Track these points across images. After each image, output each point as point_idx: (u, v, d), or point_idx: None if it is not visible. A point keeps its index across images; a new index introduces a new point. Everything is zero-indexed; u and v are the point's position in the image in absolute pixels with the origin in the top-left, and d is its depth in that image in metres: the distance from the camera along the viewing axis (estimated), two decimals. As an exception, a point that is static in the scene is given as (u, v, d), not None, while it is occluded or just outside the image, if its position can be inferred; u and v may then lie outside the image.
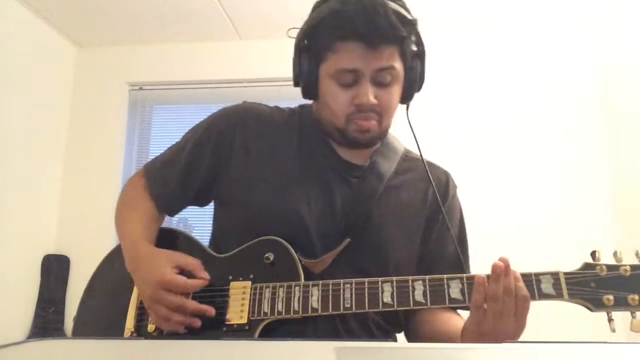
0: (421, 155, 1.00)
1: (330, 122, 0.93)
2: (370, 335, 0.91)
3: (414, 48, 0.92)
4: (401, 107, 0.99)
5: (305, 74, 0.91)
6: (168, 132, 3.09)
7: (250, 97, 3.46)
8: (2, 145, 2.53)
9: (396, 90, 0.91)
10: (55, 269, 2.80)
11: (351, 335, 0.89)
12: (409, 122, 0.98)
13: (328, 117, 0.93)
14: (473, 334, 0.77)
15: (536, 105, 2.71)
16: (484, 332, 0.75)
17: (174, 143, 1.05)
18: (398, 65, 0.89)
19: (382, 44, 0.85)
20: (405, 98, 0.96)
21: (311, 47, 0.91)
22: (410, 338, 0.99)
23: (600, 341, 0.55)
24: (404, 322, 0.99)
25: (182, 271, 0.87)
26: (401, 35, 0.87)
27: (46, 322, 2.72)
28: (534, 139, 2.67)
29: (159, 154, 1.07)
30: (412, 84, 0.94)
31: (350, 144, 0.94)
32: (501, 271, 0.74)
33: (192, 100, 3.10)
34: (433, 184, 0.97)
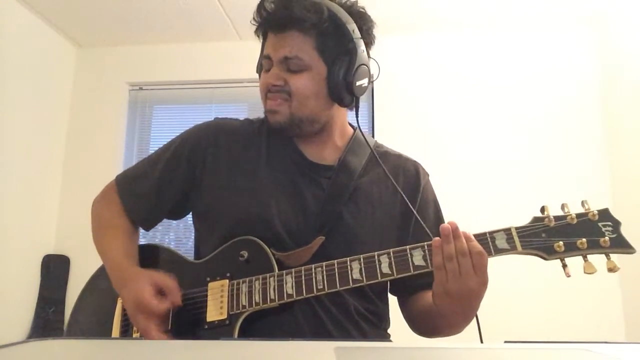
0: (372, 149, 1.01)
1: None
2: (355, 324, 0.93)
3: (345, 44, 0.93)
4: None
5: (259, 64, 1.00)
6: (168, 132, 3.09)
7: (250, 97, 3.45)
8: (2, 146, 2.53)
9: (309, 78, 0.94)
10: (55, 269, 2.80)
11: (334, 322, 0.91)
12: (357, 120, 1.00)
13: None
14: (441, 295, 0.82)
15: (536, 106, 2.71)
16: (450, 291, 0.80)
17: (146, 157, 1.07)
18: (308, 56, 0.93)
19: (286, 31, 0.93)
20: (334, 94, 0.95)
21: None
22: (411, 324, 1.02)
23: (600, 341, 0.55)
24: (386, 313, 1.02)
25: (160, 290, 0.90)
26: (305, 23, 0.91)
27: (46, 322, 2.72)
28: (533, 138, 2.68)
29: (131, 167, 1.08)
30: (336, 80, 0.93)
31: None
32: (449, 232, 0.80)
33: (192, 100, 3.10)
34: (393, 179, 0.99)
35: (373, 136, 1.10)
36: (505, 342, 0.56)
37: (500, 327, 2.43)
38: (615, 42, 2.60)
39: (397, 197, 1.00)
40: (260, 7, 0.95)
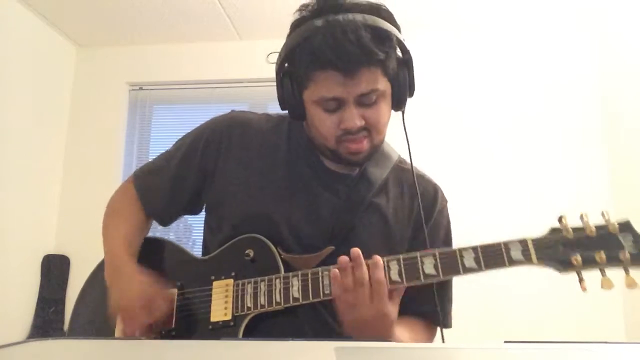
0: (412, 166, 0.98)
1: (322, 143, 0.92)
2: None
3: (399, 56, 0.89)
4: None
5: (290, 99, 0.90)
6: (168, 132, 3.09)
7: (250, 97, 3.44)
8: (2, 145, 2.53)
9: (384, 106, 0.89)
10: (55, 269, 2.80)
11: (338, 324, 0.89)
12: (405, 129, 0.97)
13: (319, 139, 0.92)
14: (343, 325, 0.81)
15: (536, 105, 2.71)
16: (347, 321, 0.79)
17: (165, 151, 1.06)
18: (381, 84, 0.86)
19: (359, 69, 0.82)
20: (397, 106, 0.93)
21: (292, 72, 0.89)
22: None
23: (600, 341, 0.55)
24: None
25: (150, 304, 0.89)
26: (377, 59, 0.83)
27: (46, 322, 2.72)
28: (533, 138, 2.67)
29: (149, 161, 1.08)
30: (402, 92, 0.91)
31: (343, 162, 0.93)
32: (346, 264, 0.78)
33: (192, 100, 3.10)
34: (419, 200, 0.96)
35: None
36: (505, 342, 0.56)
37: (500, 327, 2.44)
38: (615, 41, 2.60)
39: (412, 216, 0.98)
40: (320, 46, 0.81)
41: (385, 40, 0.84)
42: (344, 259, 0.79)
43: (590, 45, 2.74)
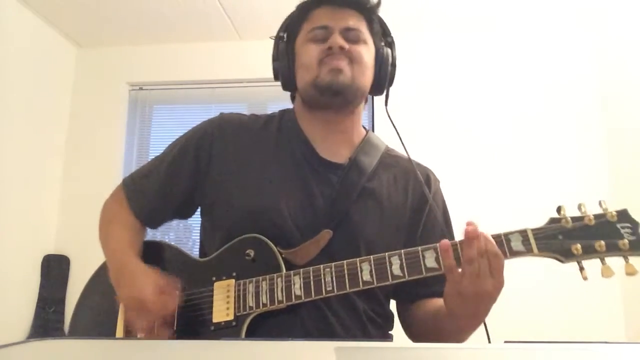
0: (406, 151, 1.02)
1: (306, 82, 0.97)
2: (362, 326, 0.92)
3: (382, 31, 1.02)
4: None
5: (284, 58, 1.00)
6: (168, 132, 3.09)
7: (251, 97, 3.44)
8: (2, 145, 2.53)
9: (366, 51, 0.98)
10: (55, 269, 2.80)
11: (341, 324, 0.90)
12: (389, 116, 1.03)
13: (304, 79, 0.97)
14: (453, 296, 0.80)
15: (536, 105, 2.71)
16: (464, 293, 0.78)
17: (155, 156, 1.07)
18: (366, 35, 0.98)
19: (348, 7, 0.98)
20: (376, 86, 1.01)
21: (287, 34, 1.02)
22: (408, 329, 1.01)
23: (600, 341, 0.55)
24: (392, 315, 1.01)
25: (163, 290, 0.89)
26: (364, 7, 0.99)
27: (46, 322, 2.72)
28: (533, 138, 2.68)
29: (138, 168, 1.09)
30: (382, 67, 1.00)
31: (324, 91, 0.95)
32: (474, 235, 0.77)
33: (192, 100, 3.10)
34: (424, 184, 1.01)
35: (373, 136, 1.11)
36: (505, 342, 0.56)
37: (500, 327, 2.43)
38: (615, 41, 2.60)
39: (407, 201, 0.99)
40: None
41: (371, 1, 1.00)
42: (472, 229, 0.77)
43: (590, 45, 2.75)
